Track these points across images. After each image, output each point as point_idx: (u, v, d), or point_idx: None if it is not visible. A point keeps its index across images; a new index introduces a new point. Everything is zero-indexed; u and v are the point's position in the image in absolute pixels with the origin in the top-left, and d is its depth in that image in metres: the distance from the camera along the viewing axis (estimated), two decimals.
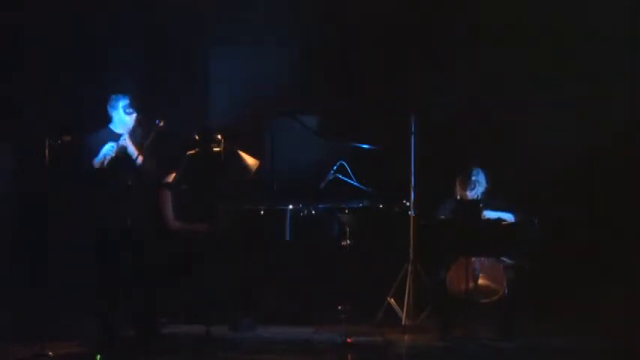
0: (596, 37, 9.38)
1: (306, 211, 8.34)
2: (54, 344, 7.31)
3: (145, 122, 7.75)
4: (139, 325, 7.73)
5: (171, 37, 9.65)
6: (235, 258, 8.24)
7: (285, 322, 8.39)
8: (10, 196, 9.48)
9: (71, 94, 9.31)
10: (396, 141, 8.56)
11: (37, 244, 9.06)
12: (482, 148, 9.07)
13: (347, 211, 8.24)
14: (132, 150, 7.67)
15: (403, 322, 8.19)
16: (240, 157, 7.98)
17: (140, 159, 7.62)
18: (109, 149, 7.62)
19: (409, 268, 8.26)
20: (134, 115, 7.77)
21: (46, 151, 7.31)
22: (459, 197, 8.04)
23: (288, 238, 8.29)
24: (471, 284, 7.70)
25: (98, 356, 7.20)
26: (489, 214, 7.84)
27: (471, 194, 7.98)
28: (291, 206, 8.32)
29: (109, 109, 7.78)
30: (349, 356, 7.40)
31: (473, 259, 7.77)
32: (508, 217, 7.90)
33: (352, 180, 8.46)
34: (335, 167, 8.49)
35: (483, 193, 8.01)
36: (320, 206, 8.35)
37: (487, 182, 8.06)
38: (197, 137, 7.94)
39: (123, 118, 7.76)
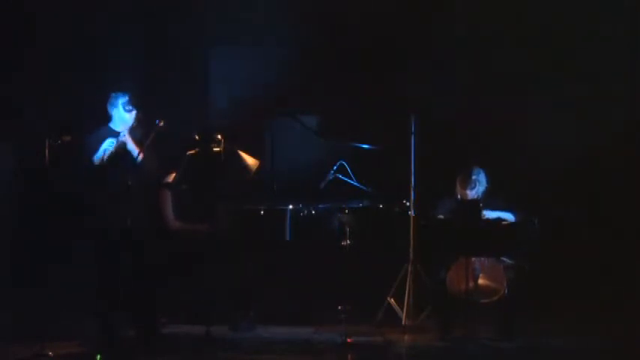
0: (596, 37, 9.38)
1: (306, 211, 8.34)
2: (54, 344, 7.31)
3: (144, 120, 7.74)
4: (139, 325, 7.73)
5: (171, 37, 9.65)
6: (235, 258, 8.24)
7: (285, 322, 8.39)
8: (10, 196, 9.49)
9: (71, 94, 9.31)
10: (396, 141, 8.55)
11: (37, 244, 9.06)
12: (482, 148, 9.06)
13: (347, 211, 8.24)
14: (132, 146, 7.66)
15: (403, 322, 8.19)
16: (240, 157, 7.98)
17: (140, 156, 7.60)
18: (108, 144, 7.62)
19: (409, 268, 8.25)
20: (134, 113, 7.77)
21: (46, 151, 7.31)
22: (459, 196, 8.04)
23: (288, 238, 8.29)
24: (471, 284, 7.70)
25: (98, 356, 7.20)
26: (489, 214, 7.84)
27: (471, 193, 7.98)
28: (291, 206, 8.32)
29: (109, 107, 7.78)
30: (349, 356, 7.40)
31: (473, 259, 7.76)
32: (508, 217, 7.90)
33: (352, 180, 8.46)
34: (335, 167, 8.49)
35: (483, 193, 8.01)
36: (320, 206, 8.35)
37: (487, 182, 8.05)
38: (197, 137, 7.94)
39: (122, 116, 7.76)
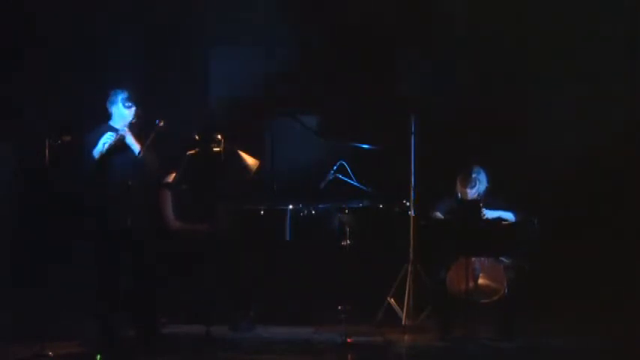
0: (596, 37, 9.38)
1: (306, 211, 8.34)
2: (54, 344, 7.31)
3: (144, 117, 7.74)
4: (139, 325, 7.73)
5: (171, 37, 9.65)
6: (235, 258, 8.24)
7: (285, 322, 8.38)
8: (10, 196, 9.49)
9: (71, 94, 9.31)
10: (396, 141, 8.55)
11: (37, 244, 9.06)
12: (482, 148, 9.06)
13: (347, 211, 8.24)
14: (131, 141, 7.65)
15: (403, 322, 8.19)
16: (240, 157, 7.98)
17: (141, 151, 7.58)
18: (108, 137, 7.60)
19: (409, 268, 8.25)
20: (133, 109, 7.75)
21: (46, 151, 7.31)
22: (459, 195, 8.04)
23: (288, 238, 8.29)
24: (471, 284, 7.70)
25: (98, 356, 7.20)
26: (489, 214, 7.84)
27: (471, 192, 7.97)
28: (291, 206, 8.32)
29: (108, 104, 7.77)
30: (349, 356, 7.40)
31: (473, 259, 7.76)
32: (508, 216, 7.90)
33: (352, 180, 8.46)
34: (335, 167, 8.49)
35: (484, 192, 8.01)
36: (320, 206, 8.35)
37: (487, 181, 8.05)
38: (197, 137, 7.94)
39: (122, 112, 7.74)
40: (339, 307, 7.98)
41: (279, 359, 7.38)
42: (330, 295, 8.17)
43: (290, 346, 7.70)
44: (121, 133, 7.64)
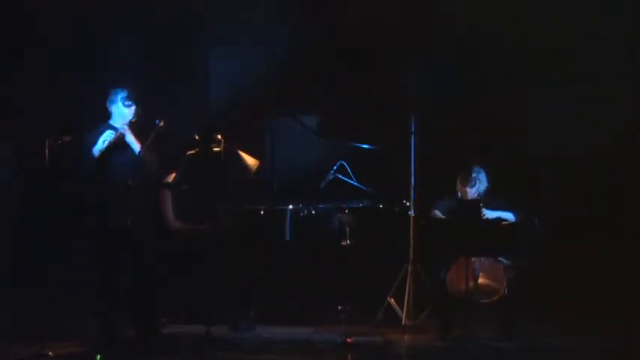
0: (596, 37, 9.38)
1: (306, 211, 8.34)
2: (54, 344, 7.31)
3: (144, 115, 7.74)
4: (139, 325, 7.73)
5: (171, 37, 9.65)
6: (235, 258, 8.24)
7: (285, 322, 8.38)
8: (10, 196, 9.49)
9: (71, 94, 9.31)
10: (396, 141, 8.55)
11: (37, 244, 9.06)
12: (482, 148, 9.06)
13: (347, 211, 8.24)
14: (131, 139, 7.65)
15: (403, 322, 8.19)
16: (240, 157, 7.98)
17: (141, 150, 7.58)
18: (108, 135, 7.61)
19: (409, 268, 8.25)
20: (133, 108, 7.75)
21: (46, 151, 7.31)
22: (459, 194, 8.04)
23: (288, 238, 8.29)
24: (471, 284, 7.70)
25: (98, 356, 7.20)
26: (489, 214, 7.84)
27: (471, 191, 7.97)
28: (291, 206, 8.32)
29: (108, 103, 7.77)
30: (349, 356, 7.40)
31: (473, 259, 7.76)
32: (508, 216, 7.90)
33: (352, 180, 8.46)
34: (335, 167, 8.49)
35: (484, 192, 8.01)
36: (320, 206, 8.35)
37: (488, 181, 8.05)
38: (197, 137, 7.94)
39: (122, 111, 7.74)
40: (339, 307, 7.98)
41: (279, 359, 7.38)
42: (330, 295, 8.17)
43: (290, 346, 7.70)
44: (120, 131, 7.64)
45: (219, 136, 7.81)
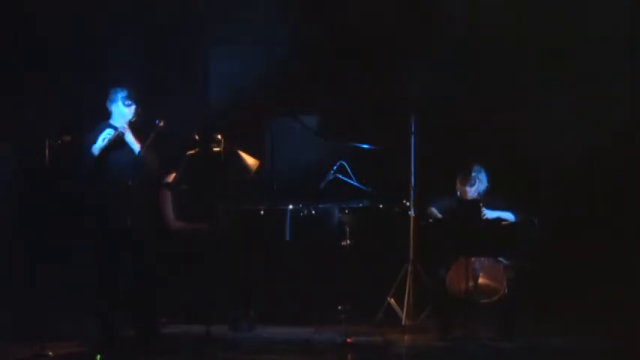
0: (596, 37, 9.38)
1: (306, 211, 8.34)
2: (54, 344, 7.31)
3: (144, 115, 7.74)
4: (139, 325, 7.73)
5: (171, 37, 9.65)
6: (235, 258, 8.24)
7: (285, 322, 8.38)
8: (10, 196, 9.49)
9: (71, 94, 9.31)
10: (396, 141, 8.55)
11: (37, 244, 9.06)
12: (482, 148, 9.06)
13: (347, 211, 8.24)
14: (131, 138, 7.64)
15: (403, 322, 8.19)
16: (240, 157, 7.98)
17: (141, 150, 7.58)
18: (107, 133, 7.61)
19: (409, 268, 8.25)
20: (133, 107, 7.75)
21: (46, 151, 7.31)
22: (458, 194, 8.04)
23: (288, 238, 8.29)
24: (471, 284, 7.70)
25: (98, 356, 7.20)
26: (489, 214, 7.84)
27: (470, 191, 7.97)
28: (291, 206, 8.32)
29: (108, 103, 7.77)
30: (349, 356, 7.40)
31: (473, 259, 7.76)
32: (508, 217, 7.90)
33: (352, 180, 8.46)
34: (335, 167, 8.49)
35: (484, 192, 8.00)
36: (320, 206, 8.35)
37: (488, 181, 8.05)
38: (197, 137, 7.94)
39: (122, 111, 7.74)
40: (339, 307, 7.98)
41: (279, 359, 7.38)
42: (330, 295, 8.17)
43: (290, 346, 7.70)
44: (120, 130, 7.64)
45: (219, 136, 7.81)
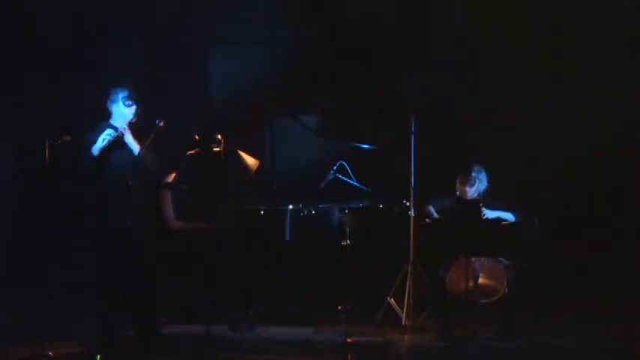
0: (596, 37, 9.38)
1: (306, 211, 8.34)
2: (54, 344, 7.31)
3: (144, 115, 7.74)
4: (139, 325, 7.73)
5: (171, 37, 9.65)
6: (235, 258, 8.24)
7: (285, 322, 8.38)
8: (10, 196, 9.49)
9: (71, 94, 9.31)
10: (396, 141, 8.55)
11: (37, 244, 9.06)
12: (482, 148, 9.06)
13: (347, 211, 8.24)
14: (130, 139, 7.64)
15: (403, 322, 8.18)
16: (240, 157, 7.98)
17: (141, 151, 7.57)
18: (107, 134, 7.61)
19: (409, 268, 8.25)
20: (133, 108, 7.75)
21: (46, 151, 7.31)
22: (458, 194, 8.04)
23: (288, 238, 8.29)
24: (471, 284, 7.70)
25: (98, 356, 7.20)
26: (489, 214, 7.84)
27: (470, 191, 7.97)
28: (291, 206, 8.32)
29: (109, 103, 7.77)
30: (349, 356, 7.40)
31: (473, 259, 7.76)
32: (508, 217, 7.90)
33: (352, 180, 8.46)
34: (335, 167, 8.49)
35: (484, 192, 8.00)
36: (320, 206, 8.35)
37: (488, 181, 8.04)
38: (197, 137, 7.94)
39: (122, 111, 7.74)
40: (339, 307, 7.98)
41: (279, 359, 7.38)
42: (330, 295, 8.17)
43: (290, 346, 7.70)
44: (120, 130, 7.64)
45: (219, 136, 7.81)
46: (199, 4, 9.66)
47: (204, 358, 7.36)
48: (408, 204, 8.35)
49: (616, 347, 7.58)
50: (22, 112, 9.33)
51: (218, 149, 7.79)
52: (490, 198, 7.97)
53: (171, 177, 8.08)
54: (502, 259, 7.84)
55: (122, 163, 7.59)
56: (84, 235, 7.99)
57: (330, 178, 8.49)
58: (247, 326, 8.25)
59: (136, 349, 7.53)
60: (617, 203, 9.24)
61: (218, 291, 8.17)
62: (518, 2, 9.50)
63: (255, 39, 9.71)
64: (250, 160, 8.01)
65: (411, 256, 8.28)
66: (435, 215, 8.06)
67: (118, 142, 7.62)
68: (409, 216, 8.30)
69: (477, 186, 7.98)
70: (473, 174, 7.98)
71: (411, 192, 8.35)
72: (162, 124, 7.61)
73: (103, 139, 7.59)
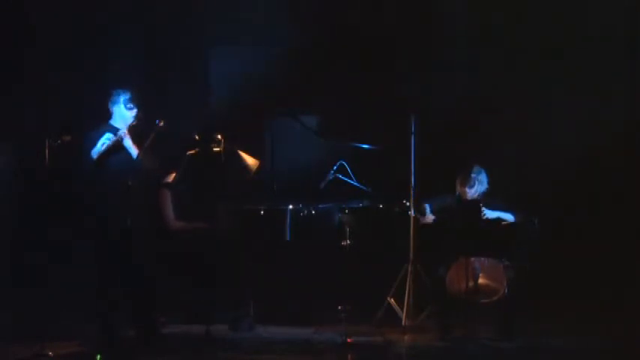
0: (596, 37, 9.38)
1: (306, 211, 8.34)
2: (54, 344, 7.31)
3: (144, 119, 7.74)
4: (139, 325, 7.73)
5: (171, 37, 9.65)
6: (235, 258, 8.24)
7: (285, 322, 8.38)
8: (10, 196, 9.49)
9: (71, 94, 9.31)
10: (396, 141, 8.55)
11: (37, 244, 9.06)
12: (482, 148, 9.06)
13: (347, 211, 8.24)
14: (129, 144, 7.64)
15: (403, 322, 8.18)
16: (240, 157, 7.98)
17: (139, 155, 7.57)
18: (106, 138, 7.62)
19: (409, 268, 8.25)
20: (134, 111, 7.75)
21: (46, 151, 7.31)
22: (458, 194, 8.03)
23: (288, 238, 8.29)
24: (471, 284, 7.70)
25: (98, 356, 7.20)
26: (489, 214, 7.84)
27: (470, 192, 7.97)
28: (291, 206, 8.32)
29: (110, 103, 7.77)
30: (349, 356, 7.40)
31: (473, 259, 7.76)
32: (508, 217, 7.90)
33: (352, 180, 8.45)
34: (335, 167, 8.48)
35: (483, 193, 8.00)
36: (320, 206, 8.35)
37: (488, 183, 8.04)
38: (197, 137, 7.94)
39: (123, 113, 7.74)
40: (339, 307, 7.98)
41: (279, 359, 7.38)
42: (330, 295, 8.17)
43: (290, 346, 7.70)
44: (120, 134, 7.63)
45: (219, 136, 7.81)
46: (199, 4, 9.67)
47: (204, 358, 7.36)
48: (408, 204, 8.34)
49: (616, 347, 7.58)
50: (22, 112, 9.33)
51: (218, 149, 7.79)
52: (490, 198, 7.97)
53: (171, 177, 8.08)
54: (502, 259, 7.83)
55: (121, 165, 7.58)
56: (84, 236, 7.99)
57: (330, 178, 8.49)
58: (247, 326, 8.25)
59: (136, 349, 7.53)
60: (617, 203, 9.23)
61: (218, 291, 8.17)
62: (518, 2, 9.50)
63: (255, 39, 9.71)
64: (250, 160, 8.01)
65: (411, 256, 8.28)
66: (429, 212, 8.06)
67: (117, 147, 7.61)
68: (409, 216, 8.30)
69: (476, 187, 7.98)
70: (472, 175, 7.98)
71: (411, 192, 8.35)
72: (162, 124, 7.60)
73: (102, 143, 7.59)
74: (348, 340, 7.64)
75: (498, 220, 7.85)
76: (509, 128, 9.37)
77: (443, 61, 9.50)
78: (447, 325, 7.89)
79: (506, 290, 7.68)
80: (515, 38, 9.48)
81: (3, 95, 9.25)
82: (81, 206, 8.25)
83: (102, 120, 7.79)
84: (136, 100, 7.75)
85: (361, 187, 8.44)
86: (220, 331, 8.00)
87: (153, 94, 8.92)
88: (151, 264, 7.73)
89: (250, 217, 8.35)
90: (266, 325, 8.31)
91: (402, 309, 8.23)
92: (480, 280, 7.75)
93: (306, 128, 8.78)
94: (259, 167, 8.06)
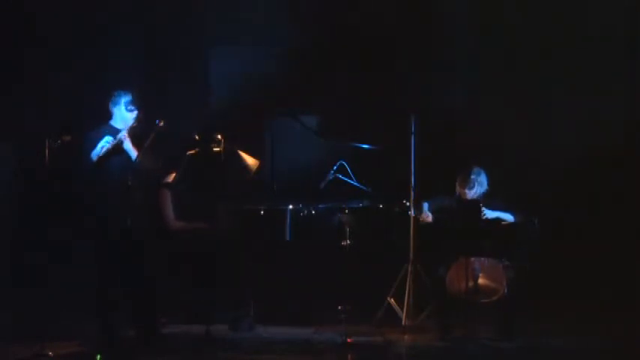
0: (596, 37, 9.38)
1: (306, 211, 8.34)
2: (54, 344, 7.31)
3: (145, 120, 7.74)
4: (139, 325, 7.73)
5: (171, 37, 9.65)
6: (235, 258, 8.24)
7: (285, 322, 8.38)
8: (10, 196, 9.49)
9: (71, 94, 9.31)
10: (396, 141, 8.55)
11: (37, 244, 9.06)
12: (482, 148, 9.06)
13: (347, 211, 8.24)
14: (129, 146, 7.64)
15: (403, 322, 8.18)
16: (240, 157, 7.98)
17: (138, 156, 7.57)
18: (106, 141, 7.62)
19: (409, 268, 8.25)
20: (135, 113, 7.75)
21: (46, 151, 7.31)
22: (458, 194, 8.03)
23: (288, 238, 8.29)
24: (471, 284, 7.70)
25: (98, 356, 7.20)
26: (489, 214, 7.83)
27: (470, 193, 7.96)
28: (291, 206, 8.32)
29: (111, 104, 7.77)
30: (349, 356, 7.40)
31: (473, 259, 7.76)
32: (507, 217, 7.89)
33: (352, 180, 8.45)
34: (335, 167, 8.48)
35: (483, 194, 7.99)
36: (320, 206, 8.35)
37: (487, 183, 8.03)
38: (197, 137, 7.94)
39: (124, 115, 7.74)
40: (339, 307, 7.98)
41: (279, 359, 7.38)
42: (330, 295, 8.17)
43: (290, 346, 7.70)
44: (120, 137, 7.63)
45: (219, 136, 7.81)
46: (199, 4, 9.67)
47: (204, 358, 7.36)
48: (408, 204, 8.34)
49: (616, 347, 7.58)
50: (22, 112, 9.33)
51: (218, 149, 7.79)
52: (490, 198, 7.97)
53: (171, 177, 8.08)
54: (502, 259, 7.83)
55: (121, 165, 7.58)
56: (84, 236, 7.99)
57: (330, 178, 8.49)
58: (247, 326, 8.25)
59: (136, 349, 7.53)
60: (617, 203, 9.23)
61: (218, 291, 8.17)
62: (518, 2, 9.50)
63: (255, 39, 9.71)
64: (250, 160, 8.01)
65: (411, 256, 8.28)
66: (427, 211, 8.06)
67: (117, 150, 7.61)
68: (409, 216, 8.30)
69: (476, 189, 7.97)
70: (472, 177, 7.97)
71: (411, 192, 8.34)
72: (162, 124, 7.60)
73: (102, 146, 7.59)
74: (348, 340, 7.64)
75: (498, 220, 7.85)
76: (509, 128, 9.36)
77: (443, 61, 9.50)
78: (447, 325, 7.89)
79: (506, 290, 7.68)
80: (515, 38, 9.48)
81: (3, 95, 9.25)
82: (81, 206, 8.26)
83: (102, 120, 7.79)
84: (137, 102, 7.75)
85: (361, 187, 8.44)
86: (220, 331, 8.00)
87: (153, 94, 8.92)
88: (150, 264, 7.73)
89: (250, 217, 8.35)
90: (266, 325, 8.31)
91: (402, 309, 8.23)
92: (480, 280, 7.75)
93: (306, 128, 8.78)
94: (259, 167, 8.06)
